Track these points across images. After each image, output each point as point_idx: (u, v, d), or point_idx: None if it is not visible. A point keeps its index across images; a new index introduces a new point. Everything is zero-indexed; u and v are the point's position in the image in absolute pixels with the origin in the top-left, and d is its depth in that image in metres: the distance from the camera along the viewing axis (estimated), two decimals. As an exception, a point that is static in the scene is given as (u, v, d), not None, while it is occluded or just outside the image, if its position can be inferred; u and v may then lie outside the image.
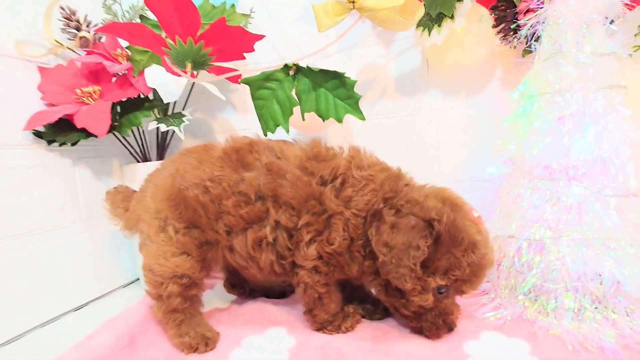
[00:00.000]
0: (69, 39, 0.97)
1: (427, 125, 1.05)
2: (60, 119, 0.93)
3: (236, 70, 0.78)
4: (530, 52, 0.81)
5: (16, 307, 0.82)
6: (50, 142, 0.91)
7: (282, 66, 0.70)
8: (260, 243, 0.68)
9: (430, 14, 0.84)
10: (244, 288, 0.90)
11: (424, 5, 0.82)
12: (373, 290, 0.70)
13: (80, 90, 0.92)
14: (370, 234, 0.62)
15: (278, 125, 0.72)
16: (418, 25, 0.89)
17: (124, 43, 0.97)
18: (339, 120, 0.69)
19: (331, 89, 0.69)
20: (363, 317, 0.76)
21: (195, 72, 0.75)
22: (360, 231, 0.64)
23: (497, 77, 0.98)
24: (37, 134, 0.90)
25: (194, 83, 1.04)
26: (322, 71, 0.68)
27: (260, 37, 0.73)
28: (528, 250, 0.70)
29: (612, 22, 0.68)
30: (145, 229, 0.70)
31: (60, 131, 0.92)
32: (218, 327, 0.74)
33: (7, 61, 0.87)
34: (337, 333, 0.70)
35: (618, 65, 0.66)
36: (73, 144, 0.93)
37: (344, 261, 0.66)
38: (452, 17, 0.81)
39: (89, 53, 0.95)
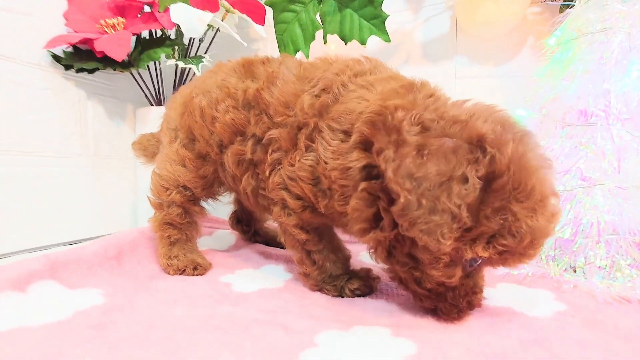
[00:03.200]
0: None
1: (451, 92, 1.01)
2: (81, 50, 0.93)
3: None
4: (568, 5, 0.77)
5: (5, 226, 0.79)
6: (67, 68, 0.90)
7: (308, -12, 0.68)
8: (241, 160, 0.58)
9: (464, -34, 0.81)
10: (249, 227, 0.85)
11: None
12: (369, 252, 0.48)
13: (104, 21, 0.92)
14: (382, 166, 0.40)
15: (298, 50, 0.69)
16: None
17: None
18: (362, 42, 0.66)
19: (357, 8, 0.66)
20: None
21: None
22: (340, 150, 0.45)
23: (528, 46, 0.94)
24: (55, 58, 0.89)
25: (216, 32, 1.03)
26: None
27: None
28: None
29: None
30: (162, 137, 0.70)
31: (79, 59, 0.92)
32: (212, 261, 0.69)
33: (37, -17, 0.88)
34: (341, 296, 0.53)
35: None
36: (90, 72, 0.92)
37: (310, 191, 0.49)
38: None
39: (120, -13, 0.96)
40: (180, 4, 0.91)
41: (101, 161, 1.02)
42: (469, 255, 0.39)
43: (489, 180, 0.37)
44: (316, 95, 0.50)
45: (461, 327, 0.44)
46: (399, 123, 0.40)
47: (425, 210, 0.36)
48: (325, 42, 0.68)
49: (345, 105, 0.46)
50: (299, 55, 0.71)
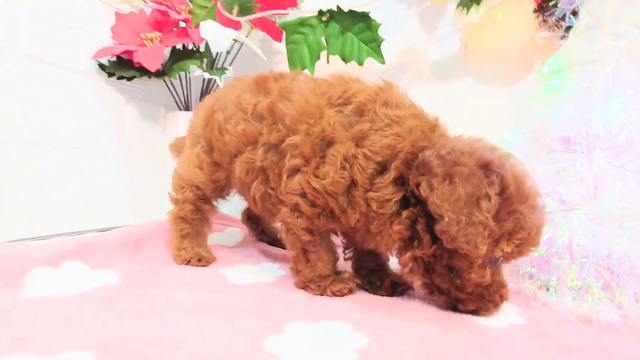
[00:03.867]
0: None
1: (459, 111, 1.05)
2: (123, 59, 1.06)
3: (285, 13, 0.84)
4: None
5: (47, 211, 0.91)
6: (110, 75, 1.03)
7: (317, 12, 0.76)
8: (251, 168, 0.64)
9: (470, -7, 0.86)
10: (258, 225, 0.93)
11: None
12: (404, 269, 0.55)
13: (144, 34, 1.04)
14: (423, 191, 0.49)
15: (305, 68, 0.77)
16: (458, 5, 0.91)
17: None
18: (360, 63, 0.73)
19: (357, 32, 0.73)
20: (366, 290, 0.64)
21: (240, 20, 0.82)
22: (369, 179, 0.52)
23: (535, 69, 0.96)
24: (101, 67, 1.02)
25: (241, 46, 1.13)
26: (350, 12, 0.73)
27: (302, -9, 0.79)
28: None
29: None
30: (187, 140, 0.80)
31: (121, 68, 1.04)
32: (217, 255, 0.78)
33: (91, 2, 1.01)
34: (322, 295, 0.60)
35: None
36: (129, 79, 1.05)
37: (338, 206, 0.55)
38: (490, -6, 0.82)
39: (158, 4, 1.07)
40: (210, 21, 1.02)
41: (135, 159, 1.14)
42: (498, 253, 0.50)
43: (501, 193, 0.49)
44: (346, 115, 0.55)
45: (418, 330, 0.49)
46: (427, 159, 0.50)
47: (463, 225, 0.47)
48: (328, 61, 0.75)
49: (384, 140, 0.53)
50: (305, 72, 0.79)
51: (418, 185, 0.50)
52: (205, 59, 1.09)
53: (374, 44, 0.73)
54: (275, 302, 0.56)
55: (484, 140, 0.54)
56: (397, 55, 1.12)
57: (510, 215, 0.49)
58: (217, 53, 1.13)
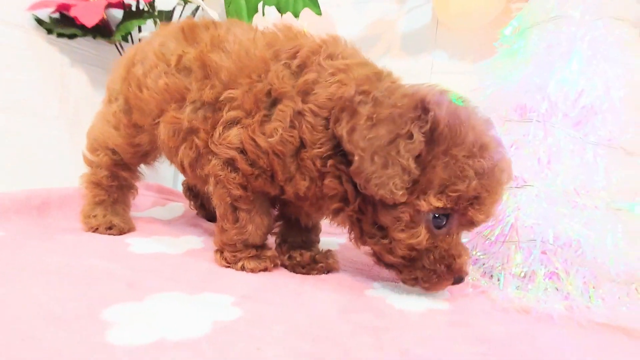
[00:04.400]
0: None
1: (425, 87, 0.96)
2: (66, 17, 0.97)
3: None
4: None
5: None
6: (49, 32, 0.95)
7: (254, -40, 0.68)
8: (177, 129, 0.55)
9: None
10: (197, 197, 0.85)
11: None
12: (346, 227, 0.50)
13: (89, -11, 0.96)
14: (339, 133, 0.43)
15: (240, 22, 0.69)
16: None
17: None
18: (296, 15, 0.66)
19: (293, -19, 0.65)
20: (285, 266, 0.56)
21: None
22: (320, 137, 0.46)
23: (510, 42, 0.88)
24: (38, 21, 0.94)
25: (197, 9, 1.05)
26: None
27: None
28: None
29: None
30: (105, 96, 0.70)
31: (62, 24, 0.96)
32: (144, 227, 0.70)
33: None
34: (232, 267, 0.52)
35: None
36: (70, 37, 0.97)
37: (283, 170, 0.48)
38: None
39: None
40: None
41: (80, 124, 1.06)
42: (424, 207, 0.42)
43: (431, 133, 0.42)
44: (294, 71, 0.48)
45: (308, 309, 0.41)
46: (352, 96, 0.43)
47: (378, 166, 0.41)
48: (263, 14, 0.67)
49: (328, 90, 0.46)
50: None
51: (337, 121, 0.43)
52: (157, 20, 1.01)
53: None
54: (165, 271, 0.48)
55: (440, 86, 0.46)
56: (366, 27, 1.04)
57: (439, 158, 0.41)
58: (172, 14, 1.04)
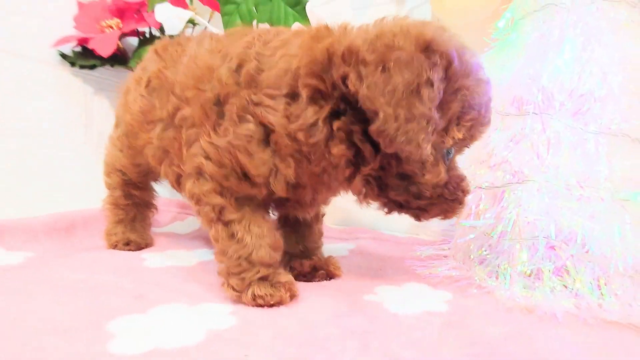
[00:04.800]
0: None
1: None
2: (87, 49, 1.05)
3: None
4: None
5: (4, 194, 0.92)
6: (73, 65, 1.03)
7: (246, -19, 0.71)
8: (154, 150, 0.57)
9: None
10: None
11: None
12: (356, 193, 0.48)
13: (105, 22, 1.03)
14: (351, 84, 0.39)
15: (237, 41, 0.72)
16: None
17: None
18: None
19: (283, -4, 0.67)
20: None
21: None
22: (289, 112, 0.43)
23: (513, 34, 0.85)
24: (63, 56, 1.02)
25: (195, 26, 1.09)
26: None
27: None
28: (485, 201, 0.58)
29: None
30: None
31: (83, 57, 1.04)
32: (160, 242, 0.74)
33: (52, -8, 1.01)
34: (243, 298, 0.45)
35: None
36: (90, 68, 1.04)
37: (249, 160, 0.45)
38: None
39: (118, -8, 1.06)
40: (165, 4, 0.99)
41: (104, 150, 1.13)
42: (449, 143, 0.43)
43: (445, 72, 0.41)
44: (235, 70, 0.47)
45: (299, 315, 0.42)
46: (354, 45, 0.40)
47: (402, 121, 0.38)
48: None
49: (275, 69, 0.44)
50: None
51: (345, 78, 0.40)
52: (168, 45, 1.07)
53: (299, 7, 0.67)
54: (171, 284, 0.51)
55: (408, 18, 0.45)
56: (367, 31, 1.04)
57: (457, 94, 0.42)
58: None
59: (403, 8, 1.00)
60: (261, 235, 0.48)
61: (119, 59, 1.04)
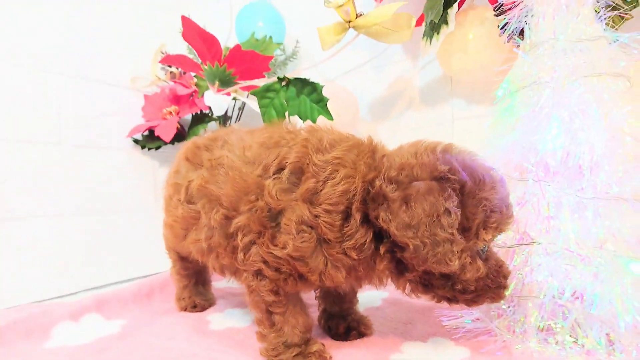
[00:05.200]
0: (164, 74, 1.31)
1: (451, 134, 1.02)
2: (152, 132, 1.26)
3: (255, 85, 0.95)
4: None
5: (97, 262, 1.12)
6: (143, 147, 1.24)
7: (277, 79, 0.84)
8: (200, 248, 0.63)
9: (432, 22, 0.86)
10: None
11: (425, 14, 0.85)
12: (405, 292, 0.55)
13: (166, 110, 1.24)
14: (383, 222, 0.48)
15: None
16: (423, 36, 0.91)
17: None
18: (314, 121, 0.78)
19: (307, 94, 0.79)
20: (327, 334, 0.65)
21: (223, 89, 0.95)
22: (345, 231, 0.50)
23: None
24: (135, 141, 1.24)
25: (244, 105, 1.26)
26: (299, 79, 0.80)
27: (270, 58, 0.89)
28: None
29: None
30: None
31: (151, 140, 1.25)
32: (222, 301, 0.88)
33: (124, 91, 1.24)
34: None
35: (610, 51, 0.58)
36: (156, 149, 1.24)
37: (310, 270, 0.52)
38: (446, 22, 0.82)
39: (175, 83, 1.27)
40: (210, 92, 1.17)
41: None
42: (480, 245, 0.50)
43: (460, 192, 0.49)
44: (286, 180, 0.52)
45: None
46: (380, 188, 0.49)
47: (430, 247, 0.46)
48: (289, 121, 0.82)
49: (337, 189, 0.50)
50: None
51: (377, 217, 0.49)
52: (217, 121, 1.24)
53: (321, 103, 0.79)
54: (231, 348, 0.63)
55: (423, 141, 0.53)
56: (387, 87, 1.14)
57: (478, 206, 0.48)
58: (226, 114, 1.27)
59: (417, 64, 1.08)
60: (296, 325, 0.57)
61: (178, 136, 1.23)
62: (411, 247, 0.46)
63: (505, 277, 0.53)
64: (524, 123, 0.61)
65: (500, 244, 0.63)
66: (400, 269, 0.52)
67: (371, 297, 0.85)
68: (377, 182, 0.50)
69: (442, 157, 0.50)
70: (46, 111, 1.05)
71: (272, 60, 1.27)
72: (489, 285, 0.52)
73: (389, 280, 0.56)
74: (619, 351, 0.51)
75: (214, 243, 0.60)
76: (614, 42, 0.57)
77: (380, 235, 0.51)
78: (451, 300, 0.54)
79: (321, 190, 0.51)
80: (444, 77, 1.03)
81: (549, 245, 0.57)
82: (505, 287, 0.53)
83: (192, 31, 0.88)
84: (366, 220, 0.51)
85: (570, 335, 0.54)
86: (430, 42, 0.87)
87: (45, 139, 1.04)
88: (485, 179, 0.49)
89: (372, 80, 1.17)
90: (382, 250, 0.51)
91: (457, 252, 0.47)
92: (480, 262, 0.50)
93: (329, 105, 0.81)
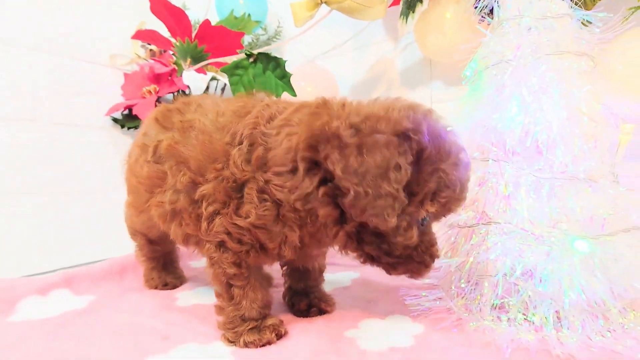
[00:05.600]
0: (143, 52, 1.29)
1: (428, 117, 1.01)
2: (131, 110, 1.25)
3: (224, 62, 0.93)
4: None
5: (72, 242, 1.12)
6: (122, 126, 1.23)
7: (244, 55, 0.83)
8: (163, 212, 0.62)
9: (407, 0, 0.84)
10: None
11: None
12: (338, 247, 0.55)
13: (145, 89, 1.22)
14: (331, 169, 0.46)
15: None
16: (400, 15, 0.89)
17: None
18: (278, 97, 0.78)
19: (272, 69, 0.78)
20: (290, 310, 0.66)
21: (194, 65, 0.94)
22: (290, 185, 0.49)
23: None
24: (115, 120, 1.23)
25: (225, 85, 1.25)
26: (265, 55, 0.79)
27: (241, 34, 0.88)
28: (459, 238, 0.64)
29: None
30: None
31: (130, 119, 1.24)
32: (191, 276, 0.88)
33: (103, 70, 1.23)
34: (236, 345, 0.54)
35: (574, 30, 0.57)
36: (136, 128, 1.23)
37: (270, 238, 0.53)
38: (420, 0, 0.80)
39: (155, 62, 1.25)
40: (190, 70, 1.16)
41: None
42: (422, 214, 0.50)
43: (418, 155, 0.48)
44: (247, 152, 0.53)
45: (285, 351, 0.52)
46: (337, 130, 0.47)
47: (371, 198, 0.45)
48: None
49: (280, 148, 0.50)
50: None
51: (327, 157, 0.47)
52: (196, 101, 1.23)
53: (285, 79, 0.78)
54: (193, 324, 0.63)
55: (404, 100, 0.52)
56: (368, 69, 1.13)
57: (433, 175, 0.48)
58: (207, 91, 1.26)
59: (398, 46, 1.07)
60: (255, 300, 0.57)
61: (158, 117, 1.22)
62: (352, 192, 0.45)
63: (432, 257, 0.53)
64: (487, 102, 0.61)
65: (461, 223, 0.63)
66: (341, 220, 0.51)
67: (342, 278, 0.86)
68: (335, 123, 0.48)
69: (413, 116, 0.48)
70: (19, 87, 1.04)
71: (254, 40, 1.25)
72: (413, 257, 0.52)
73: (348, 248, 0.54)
74: (566, 327, 0.52)
75: (179, 207, 0.59)
76: (578, 19, 0.56)
77: (325, 181, 0.49)
78: (374, 259, 0.54)
79: (269, 155, 0.51)
80: (424, 59, 1.02)
81: (505, 224, 0.57)
82: (427, 266, 0.52)
83: (159, 5, 0.86)
84: (312, 167, 0.49)
85: (523, 313, 0.55)
86: (407, 21, 0.86)
87: (18, 116, 1.03)
88: (450, 153, 0.49)
89: (354, 61, 1.15)
90: (321, 192, 0.49)
91: (397, 209, 0.46)
92: (415, 232, 0.50)
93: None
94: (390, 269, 0.54)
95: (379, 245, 0.51)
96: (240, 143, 0.54)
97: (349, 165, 0.45)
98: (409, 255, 0.52)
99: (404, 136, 0.47)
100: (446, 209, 0.50)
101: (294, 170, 0.50)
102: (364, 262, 0.55)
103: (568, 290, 0.50)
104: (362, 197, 0.45)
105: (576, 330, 0.51)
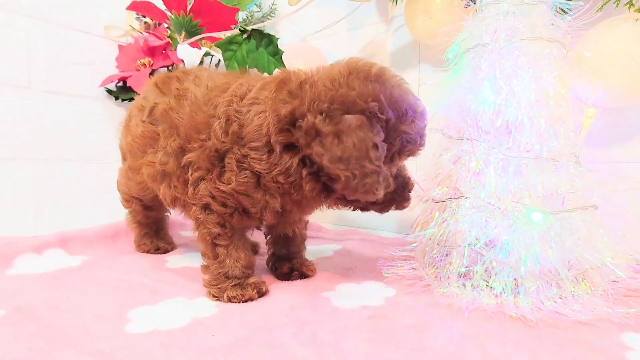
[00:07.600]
0: (138, 24, 1.30)
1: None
2: (126, 82, 1.26)
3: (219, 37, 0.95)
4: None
5: (65, 208, 1.15)
6: (116, 98, 1.25)
7: (238, 31, 0.85)
8: (153, 172, 0.66)
9: (398, -16, 0.86)
10: None
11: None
12: (329, 207, 0.62)
13: (140, 61, 1.23)
14: (317, 156, 0.51)
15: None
16: (391, -3, 0.91)
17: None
18: (270, 74, 0.80)
19: (265, 46, 0.80)
20: (273, 274, 0.71)
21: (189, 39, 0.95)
22: (270, 161, 0.54)
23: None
24: (109, 91, 1.24)
25: (219, 61, 1.26)
26: (258, 31, 0.81)
27: (236, 10, 0.89)
28: (433, 212, 0.68)
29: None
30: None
31: (124, 91, 1.25)
32: (182, 244, 0.92)
33: (98, 40, 1.23)
34: (218, 300, 0.59)
35: (548, 16, 0.60)
36: (129, 100, 1.25)
37: (252, 203, 0.58)
38: (410, -17, 0.82)
39: (149, 34, 1.26)
40: (184, 44, 1.17)
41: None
42: (394, 169, 0.58)
43: (386, 125, 0.53)
44: (224, 126, 0.57)
45: (264, 307, 0.57)
46: (311, 123, 0.51)
47: (359, 178, 0.50)
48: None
49: (251, 125, 0.55)
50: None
51: (309, 148, 0.52)
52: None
53: (277, 56, 0.80)
54: (181, 282, 0.68)
55: (355, 63, 0.55)
56: (360, 50, 1.15)
57: (397, 137, 0.54)
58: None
59: (390, 28, 1.09)
60: (238, 259, 0.61)
61: (152, 90, 1.24)
62: (343, 178, 0.51)
63: (409, 190, 0.61)
64: (464, 84, 0.64)
65: (436, 198, 0.68)
66: (327, 190, 0.56)
67: (324, 249, 0.91)
68: (309, 117, 0.51)
69: (373, 89, 0.52)
70: (14, 54, 1.05)
71: (248, 17, 1.26)
72: (395, 198, 0.60)
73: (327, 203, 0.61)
74: (523, 293, 0.57)
75: (169, 169, 0.64)
76: (552, 7, 0.59)
77: (304, 161, 0.54)
78: (364, 209, 0.61)
79: (243, 130, 0.56)
80: (414, 42, 1.04)
81: (474, 199, 0.61)
82: (407, 199, 0.61)
83: (157, -23, 0.87)
84: (291, 147, 0.54)
85: (485, 280, 0.60)
86: (396, 3, 0.88)
87: (13, 82, 1.04)
88: (407, 113, 0.54)
89: (346, 41, 1.17)
90: (304, 173, 0.54)
91: (383, 182, 0.52)
92: (391, 180, 0.56)
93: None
94: (380, 211, 0.62)
95: (364, 201, 0.58)
96: (219, 118, 0.59)
97: (333, 155, 0.50)
98: (391, 199, 0.60)
99: (371, 114, 0.51)
100: (411, 155, 0.58)
101: (270, 150, 0.55)
102: (355, 210, 0.62)
103: (526, 260, 0.55)
104: (352, 180, 0.50)
105: (531, 296, 0.56)
